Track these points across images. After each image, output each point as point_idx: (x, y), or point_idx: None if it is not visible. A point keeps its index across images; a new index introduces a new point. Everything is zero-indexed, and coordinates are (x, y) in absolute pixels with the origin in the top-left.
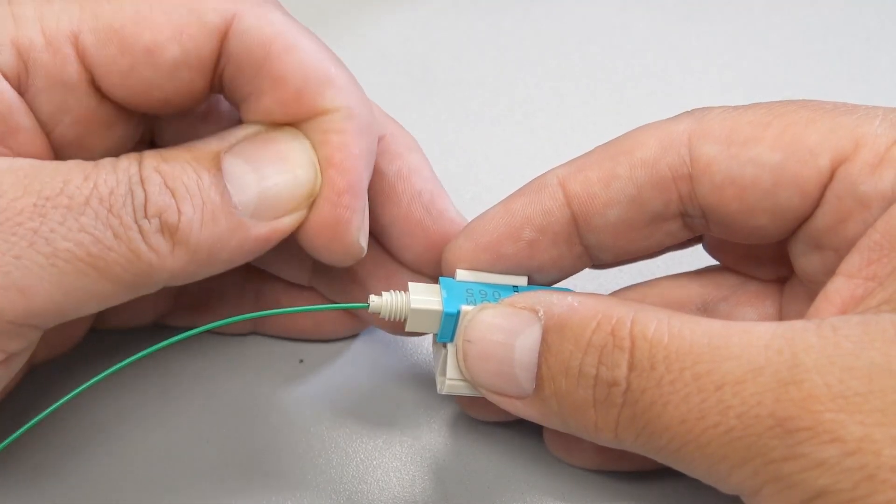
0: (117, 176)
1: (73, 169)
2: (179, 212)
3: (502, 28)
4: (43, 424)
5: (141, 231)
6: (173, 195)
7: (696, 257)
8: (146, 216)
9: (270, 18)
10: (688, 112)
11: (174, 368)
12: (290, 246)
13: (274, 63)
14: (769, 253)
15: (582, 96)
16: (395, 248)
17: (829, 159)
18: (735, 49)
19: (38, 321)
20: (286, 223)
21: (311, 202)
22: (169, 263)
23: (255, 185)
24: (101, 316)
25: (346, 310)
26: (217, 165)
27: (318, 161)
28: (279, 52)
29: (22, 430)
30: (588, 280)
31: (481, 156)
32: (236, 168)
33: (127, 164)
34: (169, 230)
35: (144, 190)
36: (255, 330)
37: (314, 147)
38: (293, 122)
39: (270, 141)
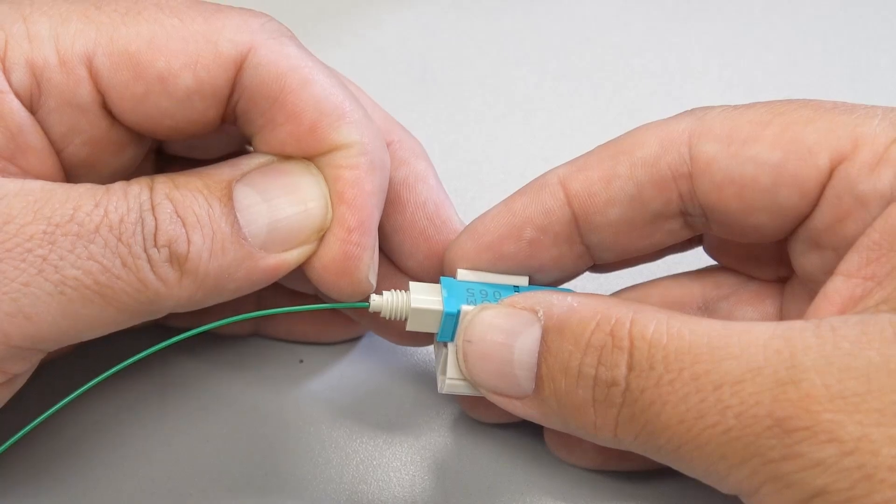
0: (128, 203)
1: (83, 195)
2: (189, 241)
3: (502, 28)
4: (43, 425)
5: (150, 260)
6: (184, 224)
7: (696, 257)
8: (156, 245)
9: (286, 52)
10: (688, 111)
11: (174, 369)
12: None
13: (289, 97)
14: (769, 253)
15: (582, 96)
16: (397, 256)
17: (828, 158)
18: (735, 49)
19: (43, 346)
20: (295, 256)
21: (321, 236)
22: (176, 293)
23: (265, 216)
24: None
25: (347, 316)
26: (228, 195)
27: (330, 196)
28: (294, 87)
29: (21, 432)
30: (588, 280)
31: (481, 156)
32: (247, 198)
33: (138, 191)
34: (178, 260)
35: (155, 217)
36: (257, 332)
37: (326, 181)
38: (306, 155)
39: (282, 172)
